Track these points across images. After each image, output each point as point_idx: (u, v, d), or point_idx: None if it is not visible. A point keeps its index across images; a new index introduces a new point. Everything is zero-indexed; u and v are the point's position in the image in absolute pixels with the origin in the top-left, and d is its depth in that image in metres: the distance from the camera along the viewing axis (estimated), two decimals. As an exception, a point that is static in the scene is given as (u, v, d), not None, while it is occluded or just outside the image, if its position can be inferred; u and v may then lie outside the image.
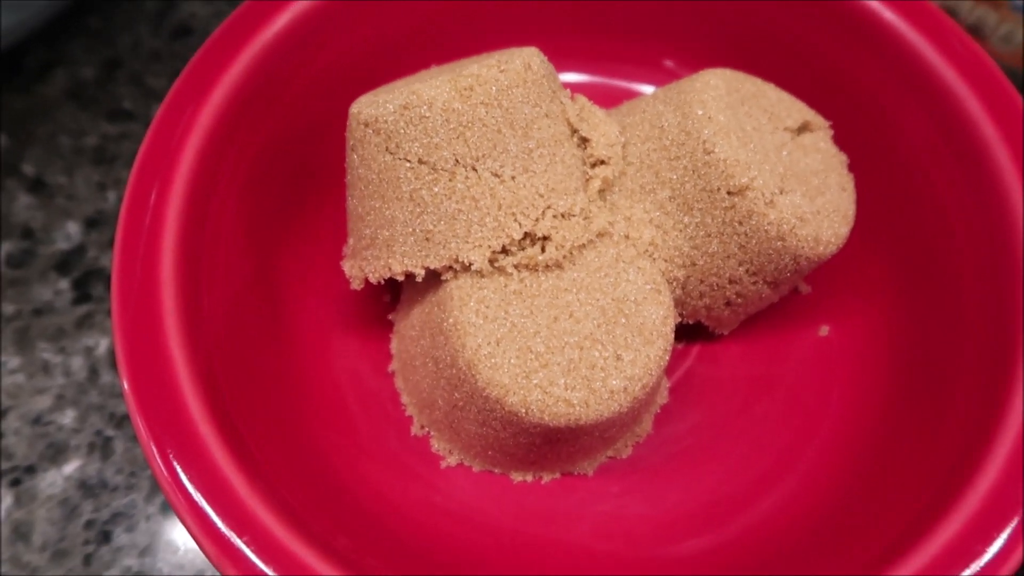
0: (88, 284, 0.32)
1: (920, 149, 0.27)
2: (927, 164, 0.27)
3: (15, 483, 0.29)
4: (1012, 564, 0.20)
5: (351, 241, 0.26)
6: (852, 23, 0.29)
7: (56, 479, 0.29)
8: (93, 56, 0.37)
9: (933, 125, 0.27)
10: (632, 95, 0.31)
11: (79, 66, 0.37)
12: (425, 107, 0.23)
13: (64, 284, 0.32)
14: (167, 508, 0.28)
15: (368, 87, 0.27)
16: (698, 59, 0.30)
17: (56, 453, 0.29)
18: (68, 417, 0.30)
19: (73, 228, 0.33)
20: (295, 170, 0.29)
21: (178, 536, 0.28)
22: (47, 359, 0.31)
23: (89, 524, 0.28)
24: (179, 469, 0.21)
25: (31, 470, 0.29)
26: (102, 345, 0.31)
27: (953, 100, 0.26)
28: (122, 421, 0.30)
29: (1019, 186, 0.25)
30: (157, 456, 0.21)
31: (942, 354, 0.25)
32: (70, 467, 0.29)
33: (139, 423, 0.21)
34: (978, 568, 0.20)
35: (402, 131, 0.23)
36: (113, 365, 0.31)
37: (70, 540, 0.28)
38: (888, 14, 0.28)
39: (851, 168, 0.27)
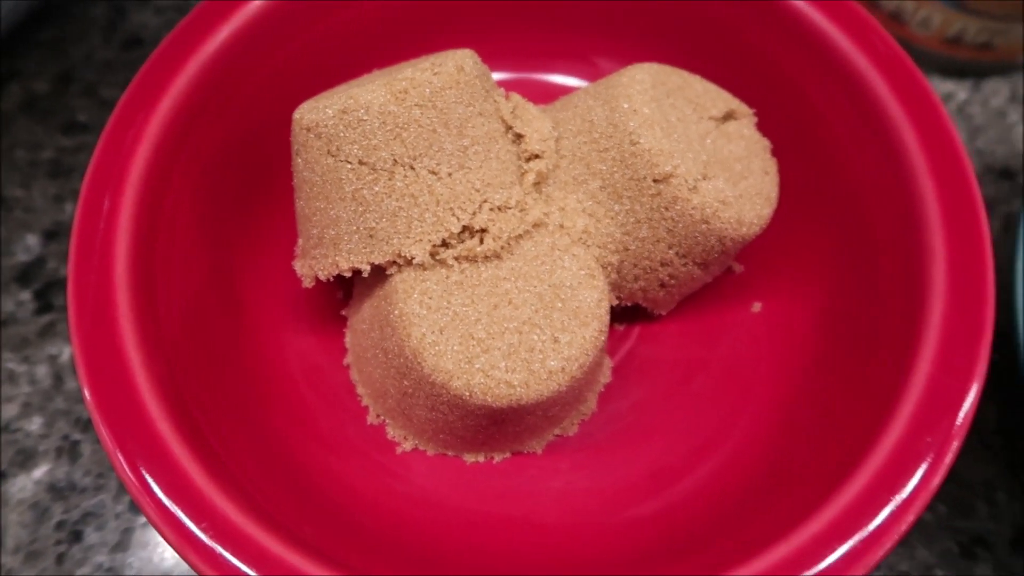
0: (49, 294, 0.33)
1: (838, 133, 0.29)
2: (846, 147, 0.29)
3: (-14, 489, 0.29)
4: (919, 504, 0.21)
5: (301, 241, 0.28)
6: (773, 16, 0.30)
7: (26, 483, 0.30)
8: (46, 69, 0.38)
9: (849, 109, 0.29)
10: (566, 91, 0.32)
11: (32, 79, 0.38)
12: (362, 111, 0.24)
13: (26, 295, 0.33)
14: (135, 506, 0.29)
15: (313, 91, 0.28)
16: (629, 54, 0.31)
17: (25, 459, 0.30)
18: (35, 424, 0.31)
19: (32, 240, 0.34)
20: (245, 176, 0.30)
21: (148, 532, 0.29)
22: (12, 368, 0.31)
23: (60, 525, 0.29)
24: (143, 471, 0.22)
25: (1, 476, 0.30)
26: (65, 353, 0.32)
27: (865, 85, 0.28)
28: (88, 425, 0.31)
29: (925, 165, 0.26)
30: (122, 460, 0.22)
31: (861, 322, 0.27)
32: (39, 471, 0.30)
33: (102, 430, 0.22)
34: (894, 507, 0.22)
35: (342, 134, 0.24)
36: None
37: (42, 541, 0.29)
38: (807, 8, 0.29)
39: (776, 153, 0.29)
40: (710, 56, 0.31)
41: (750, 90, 0.30)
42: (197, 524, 0.21)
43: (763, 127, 0.29)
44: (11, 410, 0.31)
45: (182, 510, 0.21)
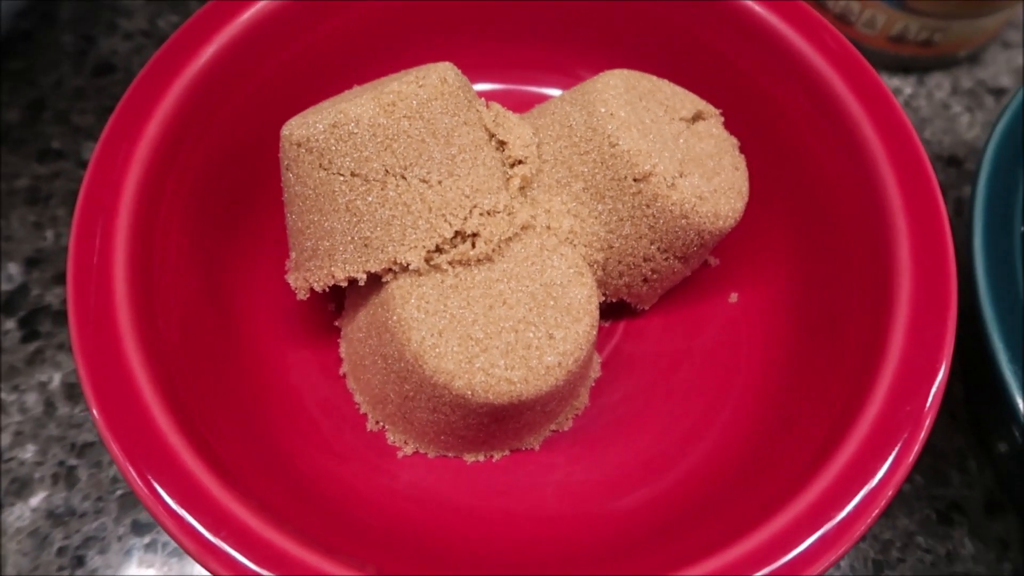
0: (35, 322, 0.33)
1: (800, 128, 0.31)
2: (807, 141, 0.31)
3: (-18, 520, 0.29)
4: (898, 479, 0.23)
5: (293, 255, 0.28)
6: (736, 23, 0.32)
7: (23, 512, 0.30)
8: (17, 98, 0.38)
9: (809, 106, 0.30)
10: (541, 99, 0.33)
11: (4, 109, 0.37)
12: (353, 124, 0.25)
13: (11, 324, 0.33)
14: (138, 527, 0.29)
15: (294, 109, 0.29)
16: (599, 62, 0.33)
17: (21, 487, 0.30)
18: (29, 452, 0.31)
19: (14, 269, 0.34)
20: (231, 193, 0.31)
21: (151, 553, 0.29)
22: (2, 398, 0.31)
23: (62, 551, 0.29)
24: (159, 485, 0.22)
25: (-4, 506, 0.30)
26: (55, 379, 0.32)
27: (823, 81, 0.30)
28: (84, 450, 0.31)
29: (883, 154, 0.28)
30: (134, 473, 0.22)
31: (834, 306, 0.29)
32: (36, 499, 0.30)
33: (113, 446, 0.23)
34: (872, 486, 0.23)
35: (333, 148, 0.25)
36: (69, 397, 0.32)
37: (44, 568, 0.29)
38: (767, 14, 0.31)
39: (742, 149, 0.30)
40: (675, 61, 0.33)
41: (714, 91, 0.31)
42: (216, 534, 0.22)
43: (728, 126, 0.30)
44: (3, 439, 0.31)
45: (201, 522, 0.22)
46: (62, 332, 0.33)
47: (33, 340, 0.33)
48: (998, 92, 0.41)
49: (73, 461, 0.30)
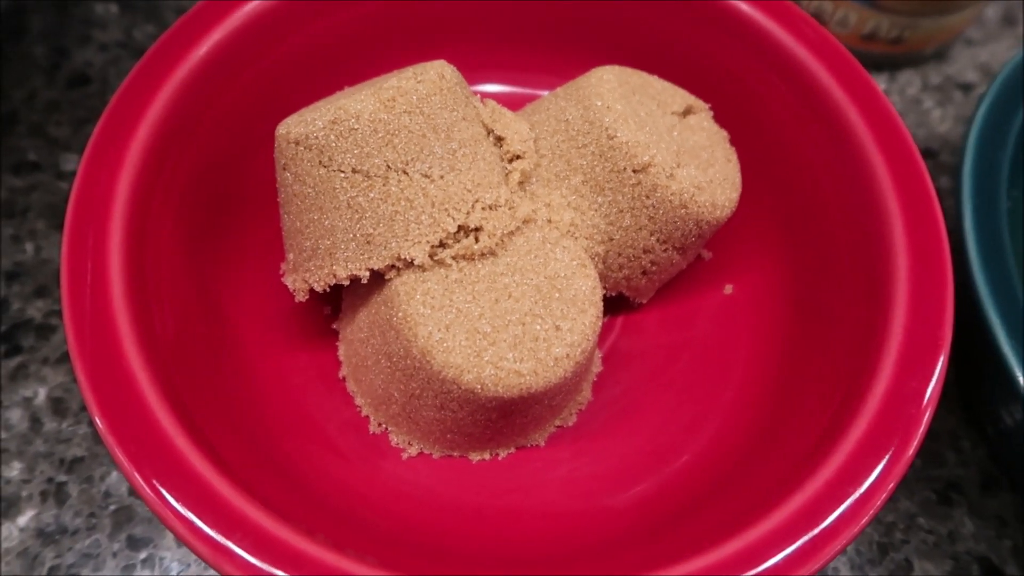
0: (17, 336, 0.32)
1: (786, 119, 0.31)
2: (793, 132, 0.31)
3: (-33, 543, 0.28)
4: (898, 471, 0.23)
5: (290, 256, 0.28)
6: (719, 20, 0.32)
7: (11, 532, 0.28)
8: (-13, 112, 0.37)
9: (793, 98, 0.31)
10: (531, 99, 0.33)
11: (-26, 123, 0.37)
12: (353, 120, 0.25)
13: (-8, 339, 0.32)
14: (133, 542, 0.29)
15: (283, 112, 0.28)
16: (586, 62, 0.33)
17: (8, 507, 0.29)
18: (15, 470, 0.29)
19: (-7, 283, 0.33)
20: (222, 197, 0.30)
21: (148, 569, 0.28)
22: (-16, 415, 0.30)
23: (53, 570, 0.28)
24: (163, 488, 0.22)
25: (-18, 528, 0.28)
26: (40, 394, 0.31)
27: (807, 74, 0.30)
28: (73, 465, 0.30)
29: (871, 141, 0.29)
30: (140, 480, 0.22)
31: (828, 292, 0.29)
32: (24, 518, 0.29)
33: (118, 452, 0.22)
34: (877, 474, 0.23)
35: (333, 144, 0.25)
36: (56, 411, 0.31)
37: (35, 590, 0.28)
38: (750, 10, 0.32)
39: (732, 142, 0.30)
40: (662, 59, 0.33)
41: (700, 87, 0.31)
42: (229, 536, 0.21)
43: (715, 120, 0.31)
44: (-13, 458, 0.29)
45: (213, 525, 0.21)
46: (45, 346, 0.32)
47: (15, 355, 0.31)
48: (966, 87, 0.42)
49: (62, 477, 0.29)
